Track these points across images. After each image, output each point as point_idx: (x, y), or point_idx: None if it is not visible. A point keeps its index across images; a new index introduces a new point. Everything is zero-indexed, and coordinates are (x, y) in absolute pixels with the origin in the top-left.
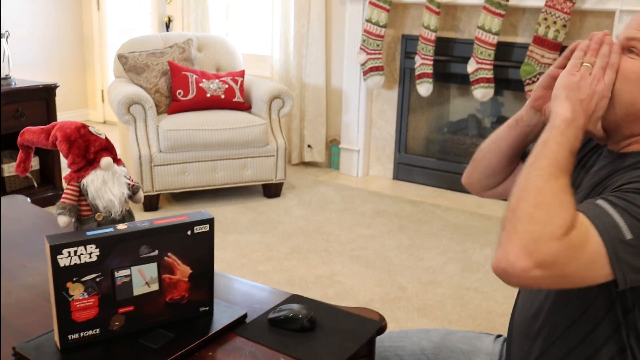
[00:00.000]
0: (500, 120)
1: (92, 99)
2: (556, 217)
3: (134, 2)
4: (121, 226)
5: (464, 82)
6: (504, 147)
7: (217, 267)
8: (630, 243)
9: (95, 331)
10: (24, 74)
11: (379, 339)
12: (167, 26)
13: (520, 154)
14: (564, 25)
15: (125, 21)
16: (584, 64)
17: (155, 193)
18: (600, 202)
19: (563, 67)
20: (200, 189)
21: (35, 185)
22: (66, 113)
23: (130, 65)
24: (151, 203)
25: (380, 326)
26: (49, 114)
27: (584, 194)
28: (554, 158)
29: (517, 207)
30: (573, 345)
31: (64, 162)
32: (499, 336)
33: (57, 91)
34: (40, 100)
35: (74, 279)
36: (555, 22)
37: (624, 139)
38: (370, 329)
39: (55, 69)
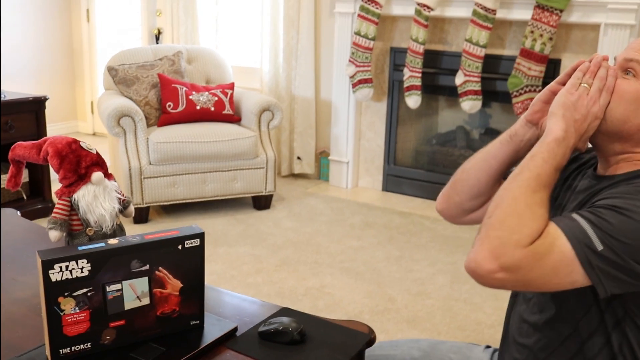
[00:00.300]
0: (489, 132)
1: (82, 111)
2: (525, 226)
3: (123, 15)
4: (112, 241)
5: (452, 94)
6: (495, 164)
7: (207, 280)
8: (601, 254)
9: (87, 345)
10: (13, 85)
11: (369, 348)
12: (157, 38)
13: (509, 169)
14: (550, 38)
15: (114, 33)
16: (582, 84)
17: (145, 205)
18: (575, 215)
19: (563, 83)
20: (190, 201)
21: (25, 197)
22: (55, 125)
23: (120, 77)
24: (141, 215)
25: (370, 339)
26: (39, 126)
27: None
28: (537, 173)
29: (493, 213)
30: (569, 356)
31: (53, 175)
32: (487, 347)
33: (47, 103)
34: (30, 112)
35: (66, 294)
36: (541, 35)
37: (613, 155)
38: (359, 341)
39: (44, 81)
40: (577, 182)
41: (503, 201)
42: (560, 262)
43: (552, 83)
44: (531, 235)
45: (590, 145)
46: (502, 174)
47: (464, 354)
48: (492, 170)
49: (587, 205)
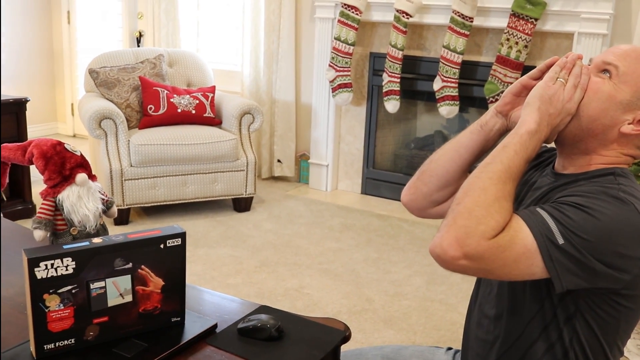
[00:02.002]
0: None
1: (62, 113)
2: (491, 218)
3: (104, 17)
4: (96, 240)
5: (430, 99)
6: (465, 154)
7: (188, 281)
8: (562, 248)
9: (71, 341)
10: None
11: None
12: (138, 41)
13: (477, 161)
14: (526, 46)
15: (95, 35)
16: (559, 79)
17: (126, 207)
18: (538, 209)
19: (535, 78)
20: (170, 203)
21: (4, 199)
22: (35, 126)
23: (101, 80)
24: (122, 217)
25: (345, 335)
26: (20, 128)
27: (526, 207)
28: (508, 165)
29: (462, 201)
30: (526, 349)
31: (34, 176)
32: (449, 349)
33: (27, 105)
34: (11, 114)
35: (51, 291)
36: (517, 43)
37: (575, 154)
38: (335, 338)
39: (24, 82)
40: (535, 179)
41: (472, 190)
42: (522, 254)
43: (524, 77)
44: (497, 228)
45: (546, 146)
46: (471, 164)
47: (426, 357)
48: (461, 160)
49: (544, 201)
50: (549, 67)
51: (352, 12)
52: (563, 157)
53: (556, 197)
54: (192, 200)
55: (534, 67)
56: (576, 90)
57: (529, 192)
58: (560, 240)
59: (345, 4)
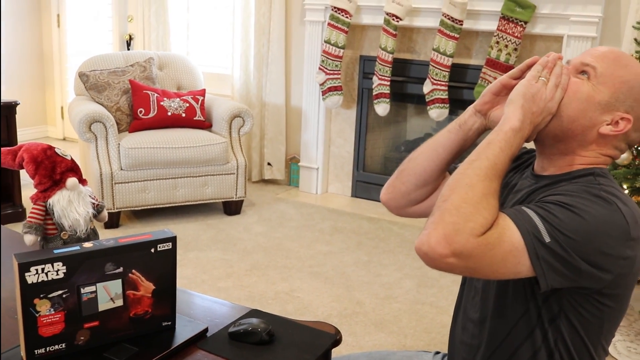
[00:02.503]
0: None
1: (52, 116)
2: (480, 215)
3: (94, 20)
4: (87, 244)
5: (420, 102)
6: (443, 152)
7: (178, 284)
8: (548, 246)
9: (61, 346)
10: None
11: None
12: (128, 44)
13: (455, 161)
14: (515, 49)
15: (85, 39)
16: (541, 78)
17: (116, 210)
18: (524, 208)
19: (516, 78)
20: (161, 206)
21: None
22: (25, 130)
23: (91, 83)
24: (112, 220)
25: (335, 339)
26: (10, 131)
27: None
28: (494, 162)
29: (448, 197)
30: (512, 351)
31: (24, 180)
32: (437, 353)
33: (17, 108)
34: (0, 117)
35: (41, 296)
36: (506, 46)
37: (555, 154)
38: (325, 341)
39: (14, 85)
40: (515, 181)
41: (459, 187)
42: (509, 252)
43: (504, 76)
44: (485, 225)
45: (525, 147)
46: (449, 163)
47: None
48: (439, 159)
49: (525, 202)
50: (529, 66)
51: (342, 15)
52: (542, 157)
53: (538, 198)
54: (182, 204)
55: None
56: (557, 89)
57: (509, 195)
58: (547, 239)
59: (335, 7)
